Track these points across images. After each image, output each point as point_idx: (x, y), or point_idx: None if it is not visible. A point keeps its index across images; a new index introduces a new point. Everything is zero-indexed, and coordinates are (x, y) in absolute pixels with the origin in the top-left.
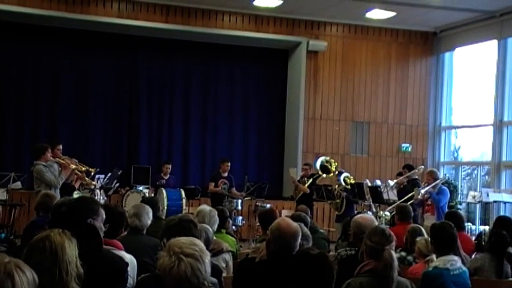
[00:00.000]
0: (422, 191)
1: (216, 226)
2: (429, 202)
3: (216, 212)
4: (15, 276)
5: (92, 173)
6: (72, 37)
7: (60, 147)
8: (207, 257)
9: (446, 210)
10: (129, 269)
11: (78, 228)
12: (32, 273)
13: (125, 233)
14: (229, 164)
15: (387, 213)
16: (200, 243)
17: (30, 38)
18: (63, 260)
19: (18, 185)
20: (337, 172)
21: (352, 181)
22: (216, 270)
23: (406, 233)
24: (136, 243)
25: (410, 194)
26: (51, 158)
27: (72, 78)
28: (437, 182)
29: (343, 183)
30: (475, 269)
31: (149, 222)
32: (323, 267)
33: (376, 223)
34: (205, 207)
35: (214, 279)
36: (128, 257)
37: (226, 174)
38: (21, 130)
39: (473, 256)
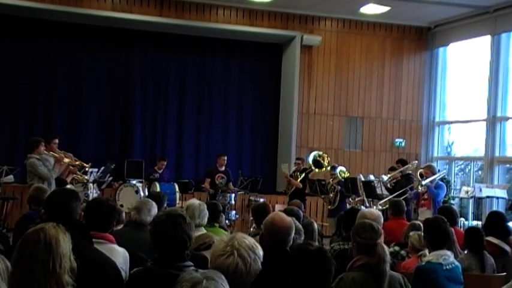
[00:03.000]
0: (423, 182)
1: (206, 220)
2: (425, 196)
3: (206, 206)
4: None
5: (87, 169)
6: (66, 31)
7: (57, 141)
8: (256, 267)
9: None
10: (121, 261)
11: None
12: (2, 259)
13: (125, 226)
14: (225, 158)
15: (379, 207)
16: (259, 253)
17: (25, 32)
18: (57, 253)
19: (10, 178)
20: (329, 167)
21: (347, 175)
22: (201, 260)
23: (403, 228)
24: (134, 238)
25: (409, 186)
26: (45, 151)
27: (66, 72)
28: (436, 176)
29: (339, 177)
30: (463, 270)
31: (149, 219)
32: (322, 262)
33: (382, 219)
34: (195, 201)
35: None
36: (121, 250)
37: (223, 169)
38: (14, 123)
39: (466, 252)
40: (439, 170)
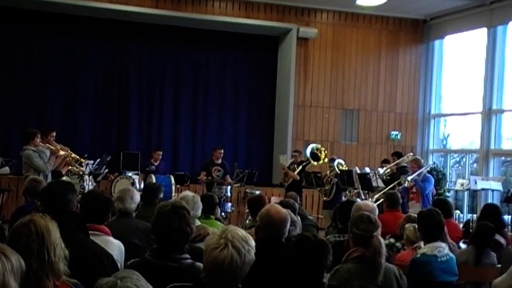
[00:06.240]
0: (409, 178)
1: (199, 212)
2: (414, 190)
3: (199, 198)
4: None
5: (82, 163)
6: (62, 22)
7: (54, 133)
8: (249, 258)
9: (431, 197)
10: (116, 253)
11: (63, 213)
12: (19, 259)
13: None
14: (221, 151)
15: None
16: (252, 243)
17: (20, 23)
18: (50, 242)
19: (6, 170)
20: (326, 159)
21: (345, 168)
22: (198, 253)
23: (399, 220)
24: (124, 226)
25: (397, 182)
26: (41, 143)
27: (61, 63)
28: (422, 169)
29: (337, 170)
30: (461, 263)
31: (134, 206)
32: (320, 254)
33: (377, 211)
34: (188, 193)
35: None
36: (116, 243)
37: (219, 161)
38: (10, 115)
39: (460, 244)
40: (434, 163)
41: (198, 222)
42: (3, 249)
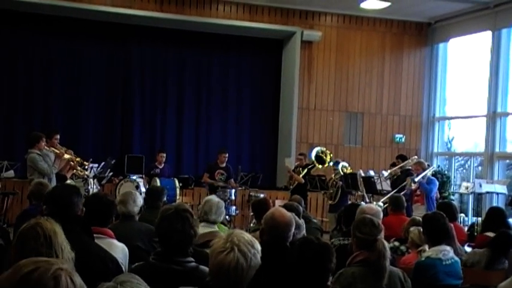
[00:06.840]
0: (416, 179)
1: (221, 218)
2: (418, 192)
3: (224, 204)
4: (61, 281)
5: (86, 166)
6: (66, 25)
7: (58, 136)
8: (255, 262)
9: (435, 200)
10: (120, 256)
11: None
12: (82, 285)
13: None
14: (226, 154)
15: (380, 203)
16: (258, 247)
17: (23, 26)
18: (58, 245)
19: (11, 173)
20: (332, 163)
21: (350, 171)
22: (202, 256)
23: (403, 223)
24: (127, 229)
25: (403, 184)
26: (46, 147)
27: (65, 67)
28: (426, 172)
29: (341, 172)
30: (472, 263)
31: (136, 209)
32: (324, 257)
33: (382, 214)
34: (214, 198)
35: None
36: (120, 245)
37: (224, 165)
38: (13, 118)
39: (465, 247)
40: (428, 165)
41: (216, 228)
42: (70, 273)
